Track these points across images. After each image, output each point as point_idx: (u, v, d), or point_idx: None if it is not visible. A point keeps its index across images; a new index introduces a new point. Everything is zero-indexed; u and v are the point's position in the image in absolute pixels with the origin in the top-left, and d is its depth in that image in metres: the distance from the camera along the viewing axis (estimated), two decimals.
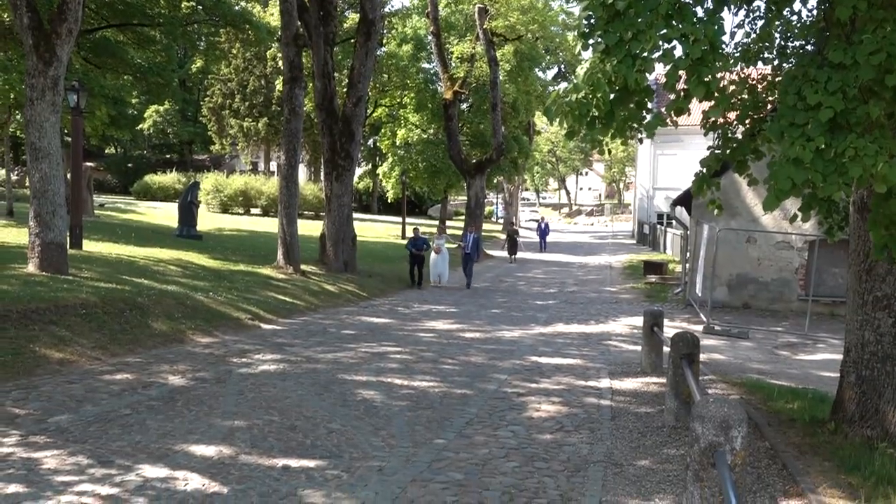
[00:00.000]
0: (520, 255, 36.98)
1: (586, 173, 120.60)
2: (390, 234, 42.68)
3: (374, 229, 45.13)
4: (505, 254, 36.79)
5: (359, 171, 63.96)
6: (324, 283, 19.28)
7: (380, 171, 46.63)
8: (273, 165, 67.50)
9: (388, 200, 53.02)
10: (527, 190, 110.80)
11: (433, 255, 23.49)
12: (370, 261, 26.42)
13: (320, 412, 7.92)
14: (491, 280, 26.49)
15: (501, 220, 69.39)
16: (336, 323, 14.69)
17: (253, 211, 51.14)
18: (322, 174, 25.40)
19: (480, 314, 17.17)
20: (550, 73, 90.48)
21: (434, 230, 26.77)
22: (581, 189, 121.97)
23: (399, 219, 43.32)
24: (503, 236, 45.75)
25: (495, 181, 53.91)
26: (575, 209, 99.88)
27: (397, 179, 43.32)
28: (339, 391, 8.88)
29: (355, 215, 26.74)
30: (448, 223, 52.37)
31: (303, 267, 20.32)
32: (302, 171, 66.13)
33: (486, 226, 48.32)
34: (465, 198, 38.55)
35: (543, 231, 44.30)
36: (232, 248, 24.79)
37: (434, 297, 20.35)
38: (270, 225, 36.51)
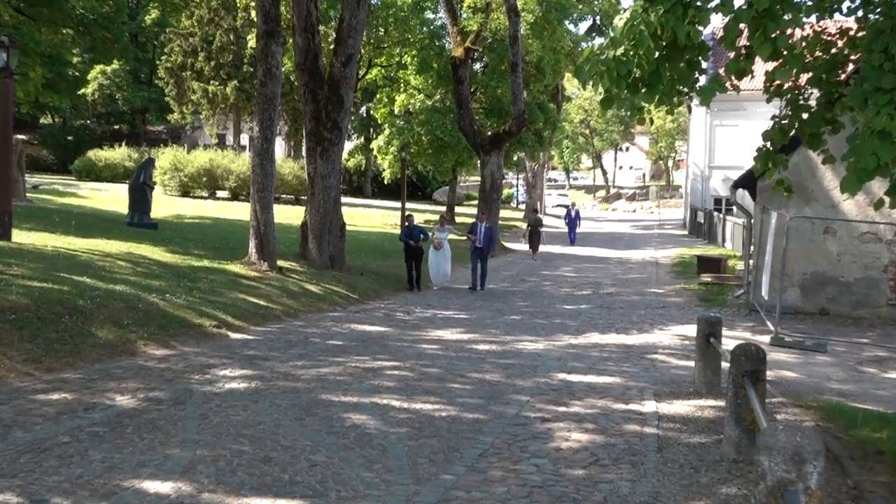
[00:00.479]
0: (543, 248, 37.04)
1: (627, 149, 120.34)
2: (387, 223, 42.76)
3: (368, 217, 45.26)
4: (526, 247, 36.90)
5: (349, 146, 64.16)
6: (305, 283, 19.37)
7: (374, 145, 46.69)
8: (244, 139, 67.63)
9: (385, 182, 53.13)
10: (554, 169, 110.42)
11: (431, 250, 23.43)
12: (362, 255, 26.48)
13: (301, 441, 7.94)
14: (509, 279, 26.53)
15: (523, 206, 69.47)
16: (320, 332, 14.76)
17: (219, 194, 51.34)
18: (304, 149, 25.42)
19: (497, 321, 17.24)
20: (583, 27, 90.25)
21: (438, 218, 26.70)
22: (620, 168, 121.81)
23: (397, 204, 43.22)
24: (524, 226, 45.84)
25: (515, 158, 53.86)
26: (613, 192, 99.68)
27: (395, 156, 43.34)
28: (324, 415, 8.89)
29: (344, 200, 26.79)
30: (457, 210, 52.45)
31: (280, 263, 20.42)
32: (279, 146, 66.33)
33: (503, 213, 47.91)
34: (479, 178, 38.48)
35: (573, 220, 44.49)
36: (194, 239, 24.89)
37: (440, 301, 20.42)
38: (241, 211, 36.58)
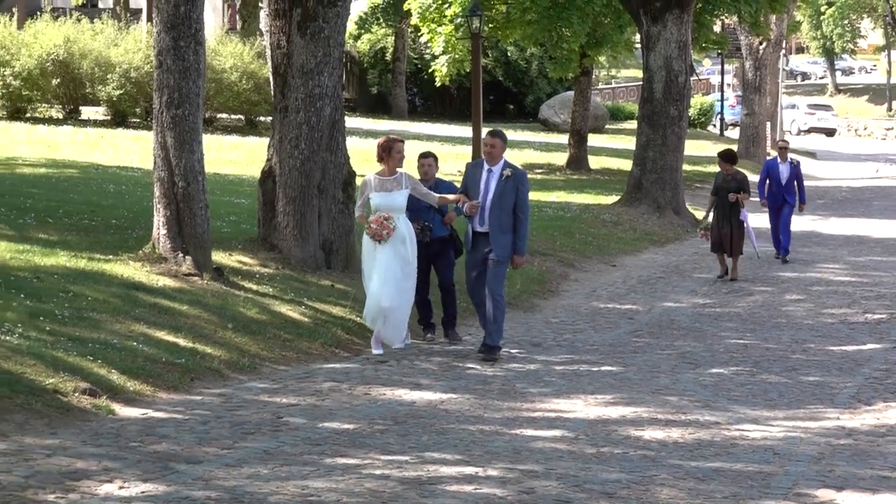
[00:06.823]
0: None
1: None
2: (443, 171, 29.06)
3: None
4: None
5: (355, 12, 40.07)
6: (273, 301, 13.28)
7: (412, 5, 29.11)
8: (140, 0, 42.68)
9: (437, 85, 33.32)
10: (803, 52, 75.36)
11: (367, 245, 12.22)
12: None
13: None
14: (708, 289, 17.20)
15: (734, 133, 44.85)
16: (305, 404, 9.77)
17: (87, 114, 34.28)
18: (262, 18, 16.00)
19: (680, 379, 11.40)
20: None
21: (377, 151, 14.39)
22: None
23: (464, 130, 31.29)
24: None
25: (719, 30, 34.98)
26: None
27: (457, 30, 26.96)
28: None
29: (353, 122, 21.03)
30: (594, 142, 33.94)
31: (218, 257, 14.07)
32: (212, 13, 40.31)
33: (696, 145, 33.79)
34: (639, 75, 26.65)
35: (783, 194, 19.72)
36: (39, 209, 17.78)
37: (557, 333, 13.92)
38: (132, 151, 27.03)
